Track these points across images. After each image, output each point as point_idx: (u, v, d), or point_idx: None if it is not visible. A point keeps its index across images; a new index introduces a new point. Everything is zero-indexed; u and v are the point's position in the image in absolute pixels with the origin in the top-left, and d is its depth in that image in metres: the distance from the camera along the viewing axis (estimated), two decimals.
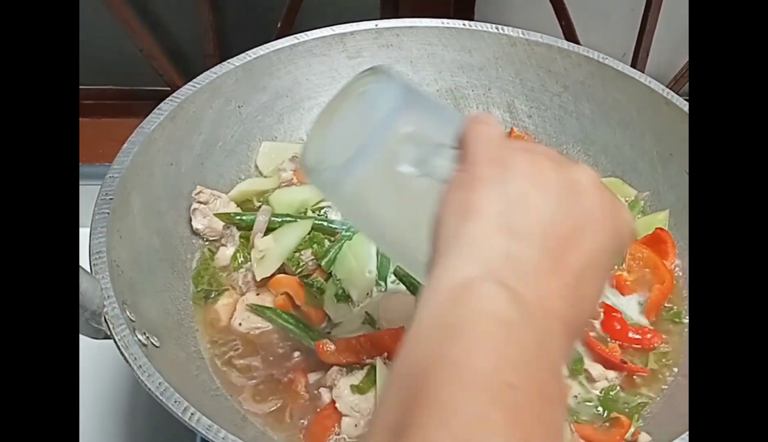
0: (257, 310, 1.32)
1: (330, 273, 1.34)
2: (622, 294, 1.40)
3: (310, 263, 1.36)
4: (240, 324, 1.31)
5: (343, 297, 1.32)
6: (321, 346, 1.21)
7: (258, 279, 1.35)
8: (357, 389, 1.17)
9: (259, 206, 1.48)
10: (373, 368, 1.20)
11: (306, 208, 1.48)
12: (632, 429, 1.15)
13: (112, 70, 2.06)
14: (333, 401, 1.18)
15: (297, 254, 1.36)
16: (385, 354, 1.22)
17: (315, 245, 1.38)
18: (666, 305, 1.39)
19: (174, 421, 0.98)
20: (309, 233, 1.40)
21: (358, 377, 1.19)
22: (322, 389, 1.22)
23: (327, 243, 1.39)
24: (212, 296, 1.36)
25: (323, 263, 1.34)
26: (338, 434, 1.16)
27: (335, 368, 1.21)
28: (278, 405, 1.21)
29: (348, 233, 1.39)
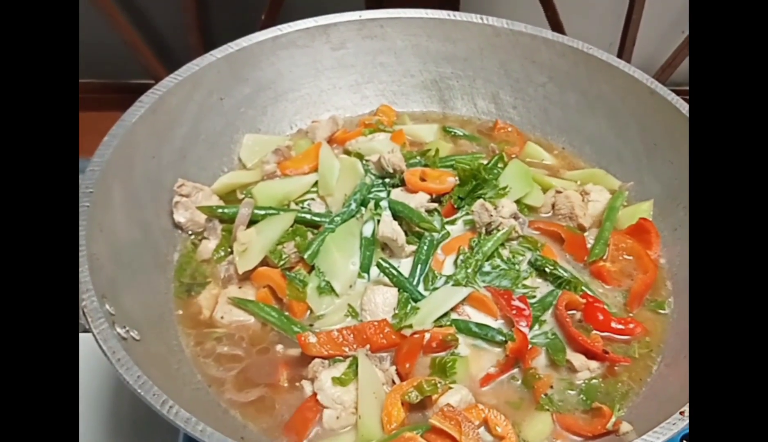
0: (239, 303, 1.31)
1: (313, 266, 1.34)
2: (606, 284, 1.40)
3: (293, 256, 1.35)
4: (222, 317, 1.30)
5: (326, 289, 1.31)
6: (303, 338, 1.21)
7: (240, 272, 1.34)
8: (339, 382, 1.17)
9: (242, 199, 1.47)
10: (356, 360, 1.20)
11: (289, 201, 1.48)
12: (614, 419, 1.14)
13: (95, 64, 2.05)
14: (315, 394, 1.17)
15: (279, 247, 1.36)
16: (368, 346, 1.22)
17: (298, 238, 1.37)
18: (648, 295, 1.39)
19: (156, 415, 0.98)
20: (291, 226, 1.40)
21: (340, 369, 1.19)
22: (304, 382, 1.21)
23: (310, 236, 1.39)
24: (194, 289, 1.35)
25: (306, 256, 1.33)
26: (320, 426, 1.16)
27: (317, 360, 1.21)
28: (260, 397, 1.20)
29: (331, 226, 1.39)
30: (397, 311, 1.29)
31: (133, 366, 1.00)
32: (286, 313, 1.30)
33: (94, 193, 1.20)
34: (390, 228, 1.36)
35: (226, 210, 1.43)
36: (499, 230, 1.40)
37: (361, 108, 1.73)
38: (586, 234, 1.48)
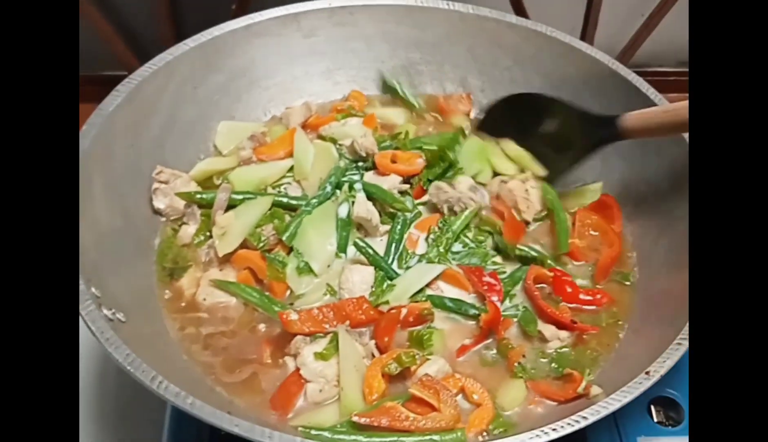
0: (220, 285, 1.34)
1: (291, 248, 1.38)
2: (575, 260, 1.46)
3: (272, 238, 1.39)
4: (204, 299, 1.34)
5: (305, 270, 1.35)
6: (284, 316, 1.25)
7: (220, 255, 1.37)
8: (320, 356, 1.21)
9: (220, 184, 1.50)
10: (336, 335, 1.24)
11: (266, 186, 1.52)
12: (584, 383, 1.20)
13: None
14: (298, 369, 1.21)
15: (258, 230, 1.39)
16: (347, 322, 1.26)
17: (276, 221, 1.41)
18: (614, 267, 1.45)
19: (142, 398, 1.00)
20: (269, 209, 1.43)
21: (321, 344, 1.23)
22: (287, 358, 1.25)
23: (288, 219, 1.43)
24: (176, 273, 1.38)
25: (285, 238, 1.37)
26: (304, 400, 1.20)
27: (299, 337, 1.25)
28: (245, 375, 1.24)
29: (308, 208, 1.42)
30: (374, 289, 1.34)
31: (121, 345, 1.04)
32: (267, 293, 1.34)
33: None
34: (365, 208, 1.41)
35: (204, 195, 1.46)
36: (464, 208, 1.45)
37: (333, 94, 1.76)
38: (532, 228, 1.52)
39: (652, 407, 1.44)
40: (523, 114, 1.61)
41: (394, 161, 1.52)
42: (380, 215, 1.44)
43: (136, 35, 2.10)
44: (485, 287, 1.33)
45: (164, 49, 1.51)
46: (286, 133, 1.62)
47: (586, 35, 2.23)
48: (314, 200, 1.45)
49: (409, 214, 1.47)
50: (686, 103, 1.27)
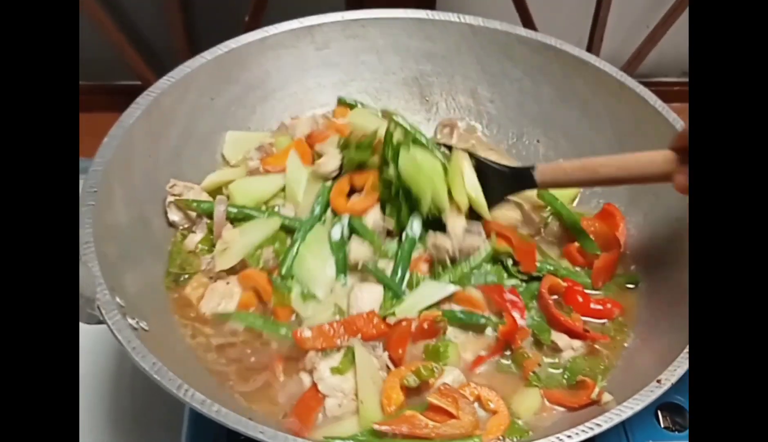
0: (222, 318, 1.33)
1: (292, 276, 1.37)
2: (575, 264, 1.49)
3: (271, 261, 1.39)
4: (205, 313, 1.35)
5: (309, 296, 1.35)
6: (298, 334, 1.26)
7: (217, 270, 1.38)
8: (337, 371, 1.22)
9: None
10: (350, 350, 1.25)
11: (264, 200, 1.52)
12: (597, 389, 1.23)
13: (81, 66, 2.08)
14: (315, 384, 1.22)
15: (258, 251, 1.39)
16: (359, 336, 1.28)
17: (277, 243, 1.41)
18: (619, 271, 1.49)
19: (157, 402, 1.00)
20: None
21: (335, 359, 1.25)
22: (302, 374, 1.26)
23: (288, 242, 1.42)
24: (182, 279, 1.40)
25: (282, 271, 1.36)
26: (323, 415, 1.21)
27: (312, 352, 1.26)
28: (260, 384, 1.26)
29: (300, 234, 1.41)
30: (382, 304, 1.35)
31: (148, 354, 1.06)
32: (271, 317, 1.34)
33: (98, 192, 1.26)
34: (362, 252, 1.40)
35: (201, 204, 1.47)
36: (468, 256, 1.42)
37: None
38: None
39: (659, 413, 1.47)
40: None
41: (353, 188, 1.49)
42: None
43: (149, 45, 2.13)
44: (508, 305, 1.34)
45: (177, 60, 1.54)
46: (291, 144, 1.63)
47: (593, 47, 2.26)
48: (307, 225, 1.43)
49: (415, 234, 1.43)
50: (597, 159, 1.33)
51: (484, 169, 1.45)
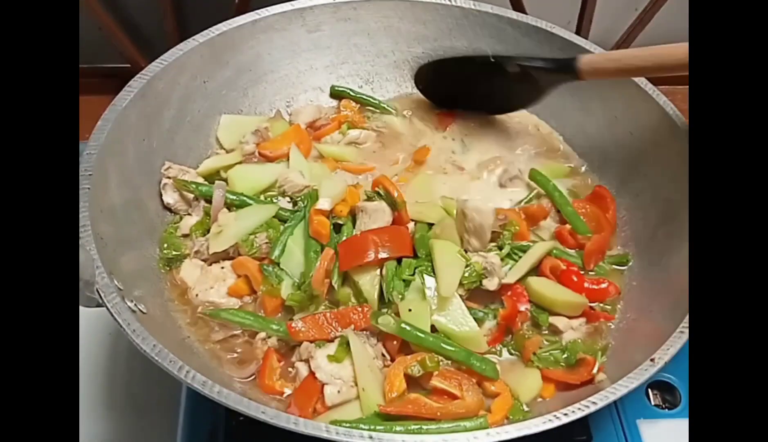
0: (212, 314, 1.31)
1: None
2: (567, 246, 1.49)
3: (264, 247, 1.38)
4: (197, 295, 1.35)
5: (306, 288, 1.32)
6: (293, 327, 1.26)
7: (211, 252, 1.38)
8: (334, 359, 1.23)
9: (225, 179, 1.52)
10: (343, 339, 1.25)
11: (263, 189, 1.51)
12: (598, 364, 1.25)
13: None
14: (312, 373, 1.22)
15: (252, 236, 1.38)
16: (352, 326, 1.27)
17: (270, 230, 1.40)
18: (610, 252, 1.51)
19: (153, 389, 0.99)
20: None
21: (331, 348, 1.25)
22: (297, 364, 1.26)
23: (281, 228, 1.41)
24: (174, 262, 1.40)
25: (273, 255, 1.36)
26: (322, 402, 1.21)
27: (306, 342, 1.26)
28: (256, 375, 1.26)
29: (289, 228, 1.41)
30: None
31: (148, 336, 1.07)
32: (261, 313, 1.33)
33: (93, 175, 1.26)
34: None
35: (200, 187, 1.46)
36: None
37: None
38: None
39: (650, 391, 1.50)
40: (466, 78, 1.72)
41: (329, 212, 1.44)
42: None
43: (137, 27, 2.11)
44: (513, 296, 1.35)
45: (166, 42, 1.54)
46: (289, 129, 1.64)
47: (582, 29, 2.27)
48: (296, 220, 1.42)
49: None
50: (629, 51, 1.49)
51: (525, 68, 1.60)
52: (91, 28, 1.96)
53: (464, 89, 1.73)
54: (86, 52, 2.08)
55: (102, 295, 1.10)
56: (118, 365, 1.59)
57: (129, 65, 2.06)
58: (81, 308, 1.09)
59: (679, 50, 1.34)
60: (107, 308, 1.09)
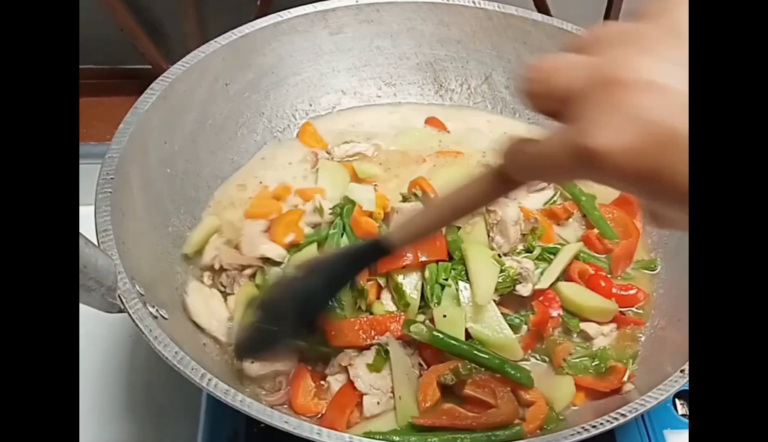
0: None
1: None
2: (594, 251, 1.48)
3: None
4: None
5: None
6: (332, 331, 1.23)
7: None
8: (374, 368, 1.21)
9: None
10: (380, 347, 1.23)
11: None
12: (628, 372, 1.24)
13: (92, 50, 2.06)
14: (350, 382, 1.20)
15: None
16: (388, 333, 1.24)
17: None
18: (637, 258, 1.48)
19: (173, 396, 0.98)
20: None
21: (369, 357, 1.23)
22: (330, 379, 1.23)
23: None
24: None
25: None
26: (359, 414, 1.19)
27: (346, 350, 1.24)
28: (287, 396, 1.24)
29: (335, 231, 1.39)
30: None
31: (170, 343, 1.05)
32: None
33: (114, 179, 1.24)
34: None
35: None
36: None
37: (359, 89, 1.78)
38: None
39: (677, 401, 1.48)
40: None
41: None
42: None
43: (159, 29, 2.11)
44: (544, 301, 1.34)
45: (187, 44, 1.53)
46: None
47: None
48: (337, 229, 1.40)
49: None
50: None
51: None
52: (113, 29, 1.97)
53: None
54: (108, 53, 2.10)
55: (123, 301, 1.09)
56: (138, 368, 1.58)
57: (150, 66, 2.05)
58: (95, 313, 1.10)
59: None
60: (129, 314, 1.08)
